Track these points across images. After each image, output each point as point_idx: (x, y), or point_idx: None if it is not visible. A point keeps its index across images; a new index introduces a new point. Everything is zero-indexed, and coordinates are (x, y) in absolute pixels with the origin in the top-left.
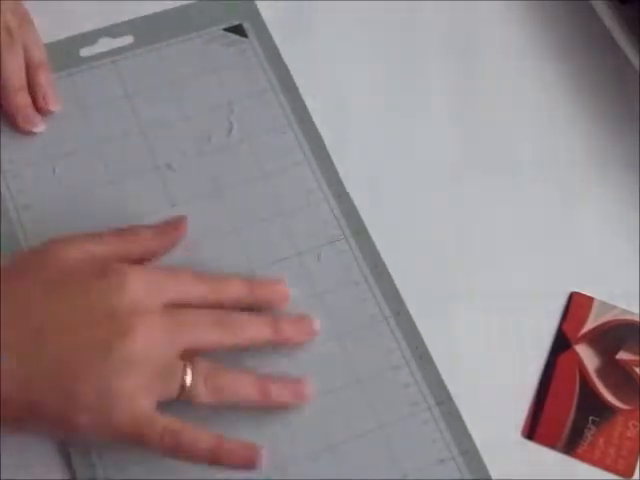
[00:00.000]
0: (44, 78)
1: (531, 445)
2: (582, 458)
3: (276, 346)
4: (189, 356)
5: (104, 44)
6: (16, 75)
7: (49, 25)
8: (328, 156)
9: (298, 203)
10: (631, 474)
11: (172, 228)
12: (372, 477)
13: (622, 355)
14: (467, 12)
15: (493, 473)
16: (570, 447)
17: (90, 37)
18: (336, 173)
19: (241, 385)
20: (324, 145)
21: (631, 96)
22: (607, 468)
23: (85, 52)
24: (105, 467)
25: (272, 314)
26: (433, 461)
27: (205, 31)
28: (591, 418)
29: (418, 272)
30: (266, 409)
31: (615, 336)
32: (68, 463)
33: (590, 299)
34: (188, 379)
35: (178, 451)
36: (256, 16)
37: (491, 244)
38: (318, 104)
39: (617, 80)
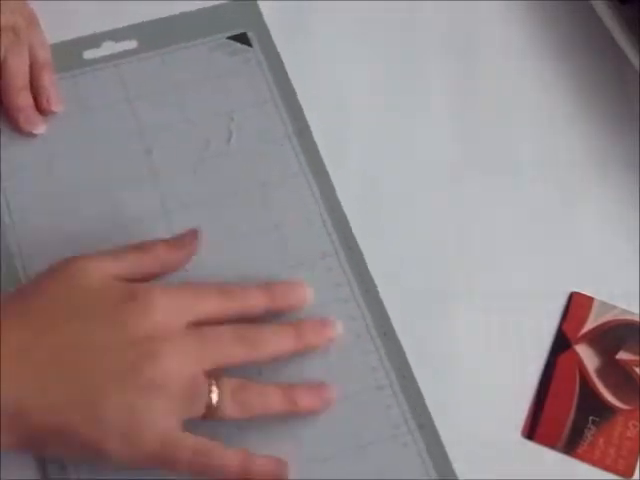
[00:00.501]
0: (48, 79)
1: (531, 445)
2: (582, 458)
3: (299, 354)
4: (214, 373)
5: (108, 47)
6: (20, 75)
7: (53, 26)
8: (324, 170)
9: (291, 216)
10: (631, 474)
11: (186, 242)
12: None
13: (622, 355)
14: (467, 12)
15: (493, 473)
16: (570, 447)
17: (94, 40)
18: (332, 187)
19: (268, 397)
20: (321, 159)
21: (631, 96)
22: (607, 468)
23: (89, 55)
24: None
25: (292, 323)
26: None
27: (209, 38)
28: (591, 418)
29: (418, 272)
30: (294, 416)
31: (615, 336)
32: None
33: (590, 299)
34: (214, 397)
35: (208, 471)
36: (261, 25)
37: (491, 244)
38: (318, 104)
39: (617, 80)
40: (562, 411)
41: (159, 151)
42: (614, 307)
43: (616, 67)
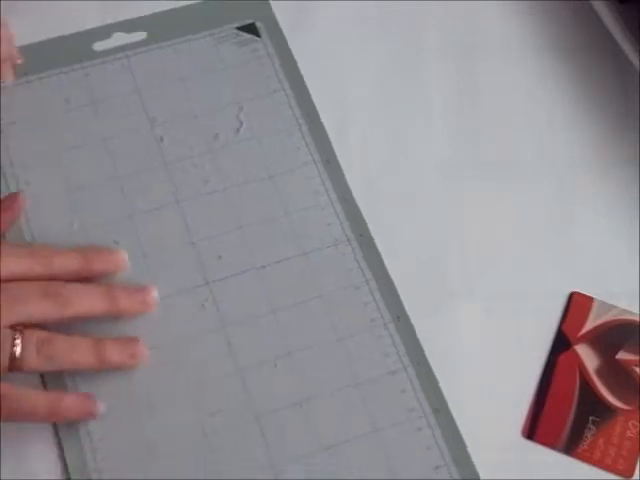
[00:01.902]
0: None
1: (531, 445)
2: (582, 458)
3: (114, 317)
4: (23, 326)
5: (118, 39)
6: None
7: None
8: (335, 158)
9: (303, 204)
10: (631, 474)
11: (9, 203)
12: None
13: (622, 355)
14: (467, 12)
15: (493, 473)
16: (570, 447)
17: (104, 31)
18: (342, 175)
19: (76, 350)
20: (332, 147)
21: (631, 96)
22: (607, 468)
23: (98, 46)
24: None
25: (107, 284)
26: (427, 468)
27: (218, 29)
28: (591, 418)
29: (418, 272)
30: (103, 370)
31: (615, 336)
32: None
33: (590, 299)
34: (18, 349)
35: (17, 415)
36: (269, 15)
37: (491, 244)
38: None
39: (617, 80)
40: (562, 411)
41: (170, 141)
42: (614, 307)
43: (616, 67)
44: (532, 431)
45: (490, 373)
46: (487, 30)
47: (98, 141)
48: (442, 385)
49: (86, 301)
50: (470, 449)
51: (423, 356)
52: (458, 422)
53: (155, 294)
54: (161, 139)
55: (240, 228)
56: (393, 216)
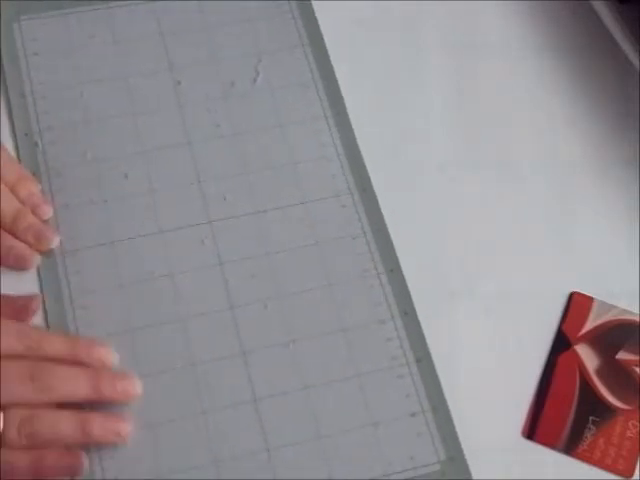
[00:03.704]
0: (28, 190)
1: (531, 445)
2: (582, 458)
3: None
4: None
5: None
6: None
7: None
8: (346, 114)
9: (310, 155)
10: (631, 474)
11: (25, 302)
12: (344, 421)
13: (622, 355)
14: (467, 12)
15: (493, 473)
16: (570, 447)
17: None
18: (351, 131)
19: (59, 426)
20: (343, 103)
21: (631, 96)
22: (607, 468)
23: None
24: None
25: (95, 369)
26: (404, 413)
27: None
28: (591, 418)
29: (418, 272)
30: (86, 445)
31: (615, 336)
32: None
33: (590, 299)
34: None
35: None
36: None
37: (491, 244)
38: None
39: (617, 80)
40: (562, 411)
41: (187, 85)
42: (614, 307)
43: (616, 67)
44: (532, 431)
45: (490, 373)
46: (487, 30)
47: (118, 78)
48: (442, 385)
49: (70, 387)
50: (470, 449)
51: (411, 307)
52: (458, 422)
53: (139, 388)
54: (178, 82)
55: (246, 173)
56: (392, 216)
